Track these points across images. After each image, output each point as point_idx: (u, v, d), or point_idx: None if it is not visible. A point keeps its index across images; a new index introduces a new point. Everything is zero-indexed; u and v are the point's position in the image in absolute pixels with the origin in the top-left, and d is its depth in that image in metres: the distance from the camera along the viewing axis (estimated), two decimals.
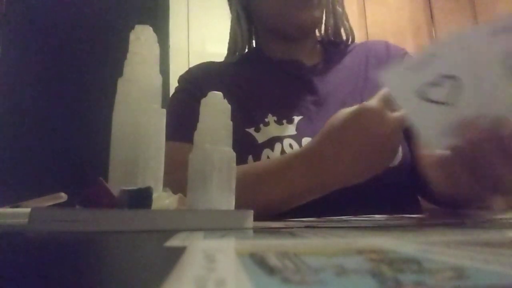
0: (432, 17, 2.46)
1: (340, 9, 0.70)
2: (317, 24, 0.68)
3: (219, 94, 0.34)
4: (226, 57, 0.73)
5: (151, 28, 0.33)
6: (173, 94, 0.68)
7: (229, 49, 0.72)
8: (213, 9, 2.19)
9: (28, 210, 0.24)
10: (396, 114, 0.43)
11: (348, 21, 0.71)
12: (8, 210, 0.40)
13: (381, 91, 0.44)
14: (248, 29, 0.71)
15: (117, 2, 1.99)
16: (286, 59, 0.68)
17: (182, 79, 0.69)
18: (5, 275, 0.10)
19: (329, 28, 0.71)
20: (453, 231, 0.23)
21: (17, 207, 0.43)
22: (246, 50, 0.72)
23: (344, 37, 0.71)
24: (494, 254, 0.12)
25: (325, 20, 0.70)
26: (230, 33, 0.71)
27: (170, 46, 2.02)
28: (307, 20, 0.62)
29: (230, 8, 0.72)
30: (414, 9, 2.44)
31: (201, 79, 0.67)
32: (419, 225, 0.29)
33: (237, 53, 0.70)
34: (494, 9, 2.39)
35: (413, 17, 2.42)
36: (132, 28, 0.33)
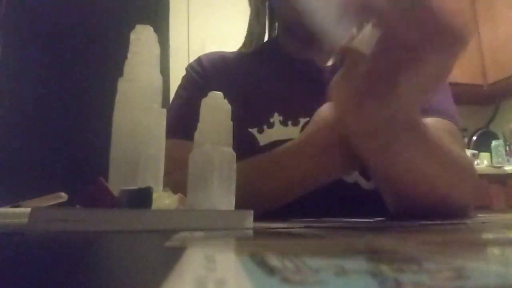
0: None
1: None
2: None
3: (219, 94, 0.34)
4: (242, 47, 0.71)
5: (151, 28, 0.33)
6: (180, 84, 0.67)
7: (245, 41, 0.71)
8: (213, 9, 2.19)
9: (28, 210, 0.24)
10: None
11: None
12: (8, 210, 0.40)
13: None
14: (268, 24, 0.70)
15: (117, 2, 1.99)
16: (300, 58, 0.66)
17: (190, 68, 0.68)
18: (5, 275, 0.10)
19: None
20: (453, 231, 0.23)
21: (17, 207, 0.43)
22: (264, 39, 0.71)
23: None
24: (494, 254, 0.12)
25: None
26: (248, 27, 0.70)
27: (170, 46, 2.02)
28: None
29: (250, 3, 0.71)
30: None
31: (210, 68, 0.66)
32: (419, 225, 0.29)
33: (253, 44, 0.69)
34: (494, 9, 2.39)
35: None
36: (133, 28, 0.33)
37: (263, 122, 0.58)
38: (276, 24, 0.72)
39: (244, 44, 0.71)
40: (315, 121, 0.46)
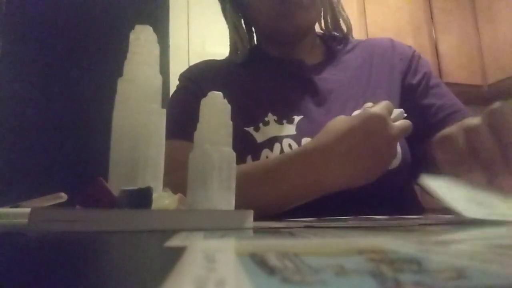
0: (432, 17, 2.46)
1: (340, 10, 0.70)
2: (313, 24, 0.68)
3: (219, 94, 0.34)
4: (229, 56, 0.73)
5: (151, 28, 0.33)
6: (173, 92, 0.69)
7: (230, 51, 0.72)
8: (213, 9, 2.19)
9: (28, 210, 0.24)
10: (398, 123, 0.45)
11: (344, 10, 0.70)
12: (8, 210, 0.40)
13: (384, 101, 0.46)
14: (248, 34, 0.72)
15: (117, 2, 2.00)
16: (287, 58, 0.67)
17: (182, 77, 0.69)
18: (5, 275, 0.10)
19: (328, 20, 0.70)
20: (453, 231, 0.23)
21: (17, 207, 0.43)
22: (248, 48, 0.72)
23: (345, 29, 0.71)
24: (494, 254, 0.12)
25: (323, 13, 0.70)
26: (229, 39, 0.72)
27: (170, 46, 2.02)
28: (301, 23, 0.62)
29: (226, 19, 0.72)
30: (414, 9, 2.44)
31: (201, 77, 0.67)
32: (419, 225, 0.29)
33: (238, 52, 0.70)
34: (494, 9, 2.40)
35: (413, 17, 2.42)
36: (132, 28, 0.32)
37: (258, 121, 0.58)
38: (254, 33, 0.74)
39: (230, 55, 0.72)
40: (327, 131, 0.46)
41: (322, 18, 0.71)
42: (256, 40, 0.74)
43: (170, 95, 0.69)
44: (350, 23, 0.71)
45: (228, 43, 0.72)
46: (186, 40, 2.13)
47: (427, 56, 2.24)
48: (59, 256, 0.14)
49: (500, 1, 2.34)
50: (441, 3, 2.48)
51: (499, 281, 0.08)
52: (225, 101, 0.34)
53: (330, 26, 0.71)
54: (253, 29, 0.73)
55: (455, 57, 2.41)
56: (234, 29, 0.70)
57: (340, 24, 0.70)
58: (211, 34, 2.10)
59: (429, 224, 0.30)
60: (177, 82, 0.70)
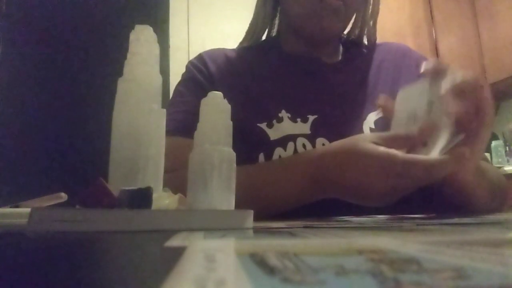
0: (432, 17, 2.46)
1: (371, 24, 0.69)
2: (340, 34, 0.67)
3: (219, 94, 0.34)
4: (243, 40, 0.71)
5: (151, 28, 0.33)
6: (179, 83, 0.65)
7: (248, 30, 0.70)
8: (213, 9, 2.20)
9: (28, 210, 0.24)
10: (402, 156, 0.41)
11: (375, 26, 0.69)
12: (8, 210, 0.40)
13: (393, 132, 0.45)
14: (272, 16, 0.70)
15: (117, 2, 2.00)
16: (305, 55, 0.66)
17: (191, 66, 0.66)
18: (5, 275, 0.10)
19: (353, 34, 0.70)
20: (453, 231, 0.23)
21: (17, 207, 0.43)
22: (264, 39, 0.71)
23: (366, 42, 0.71)
24: (494, 254, 0.12)
25: (352, 27, 0.69)
26: (253, 14, 0.69)
27: (170, 46, 2.02)
28: (331, 28, 0.61)
29: None
30: (414, 9, 2.44)
31: (213, 69, 0.64)
32: (419, 225, 0.29)
33: (254, 36, 0.69)
34: (494, 9, 2.40)
35: (413, 17, 2.43)
36: (132, 28, 0.33)
37: (272, 117, 0.57)
38: (277, 23, 0.72)
39: (246, 36, 0.70)
40: (342, 142, 0.46)
41: (349, 29, 0.70)
42: (276, 32, 0.72)
43: (175, 85, 0.65)
44: (375, 38, 0.70)
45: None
46: (186, 40, 2.13)
47: (427, 56, 2.24)
48: (59, 256, 0.14)
49: (500, 1, 2.34)
50: (441, 3, 2.48)
51: (499, 281, 0.08)
52: (225, 101, 0.34)
53: (353, 34, 0.70)
54: (276, 20, 0.72)
55: (455, 57, 2.41)
56: (263, 2, 0.68)
57: (362, 40, 0.70)
58: (211, 34, 2.10)
59: (429, 224, 0.30)
60: (177, 82, 0.68)
